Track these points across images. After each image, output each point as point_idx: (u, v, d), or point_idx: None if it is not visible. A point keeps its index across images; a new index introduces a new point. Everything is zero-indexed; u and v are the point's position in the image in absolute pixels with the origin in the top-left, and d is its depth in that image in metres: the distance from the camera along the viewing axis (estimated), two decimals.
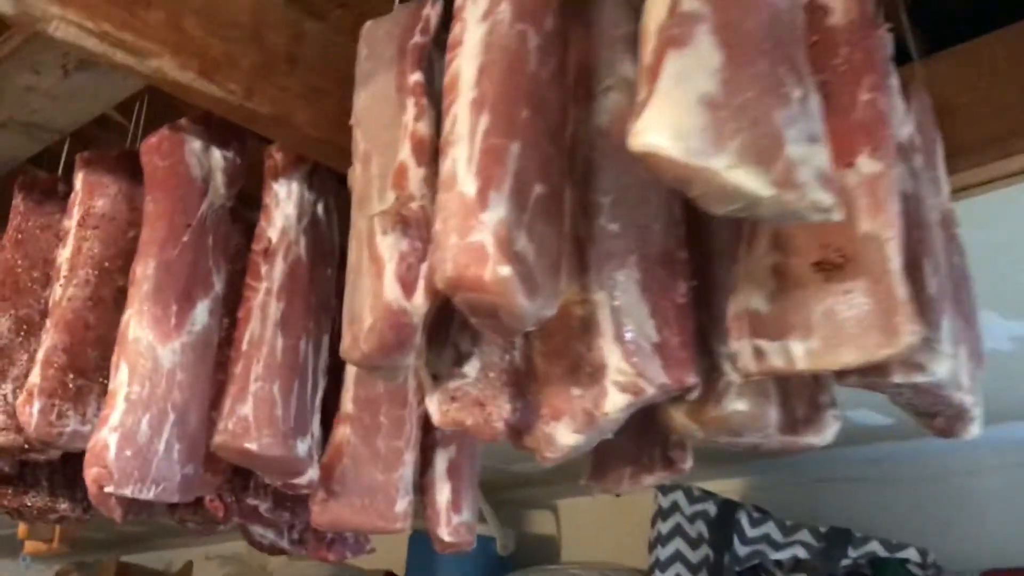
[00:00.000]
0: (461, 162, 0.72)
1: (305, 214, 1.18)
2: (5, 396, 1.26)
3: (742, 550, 2.17)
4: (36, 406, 1.10)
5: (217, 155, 1.11)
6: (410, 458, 1.22)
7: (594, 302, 0.81)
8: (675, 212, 0.85)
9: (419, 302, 0.84)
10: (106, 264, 1.19)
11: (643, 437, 1.05)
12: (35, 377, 1.11)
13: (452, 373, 0.96)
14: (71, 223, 1.21)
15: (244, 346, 1.08)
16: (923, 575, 2.08)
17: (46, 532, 1.99)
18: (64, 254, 1.20)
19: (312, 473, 1.10)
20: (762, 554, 2.16)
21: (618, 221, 0.82)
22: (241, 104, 1.00)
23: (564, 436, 0.80)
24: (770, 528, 2.20)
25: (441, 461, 1.27)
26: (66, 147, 1.40)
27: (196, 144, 1.10)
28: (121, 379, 0.98)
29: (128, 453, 0.95)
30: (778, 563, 2.17)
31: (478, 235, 0.68)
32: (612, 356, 0.79)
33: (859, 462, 2.27)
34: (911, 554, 2.07)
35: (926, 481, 2.20)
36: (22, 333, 1.29)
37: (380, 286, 0.85)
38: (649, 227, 0.83)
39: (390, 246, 0.85)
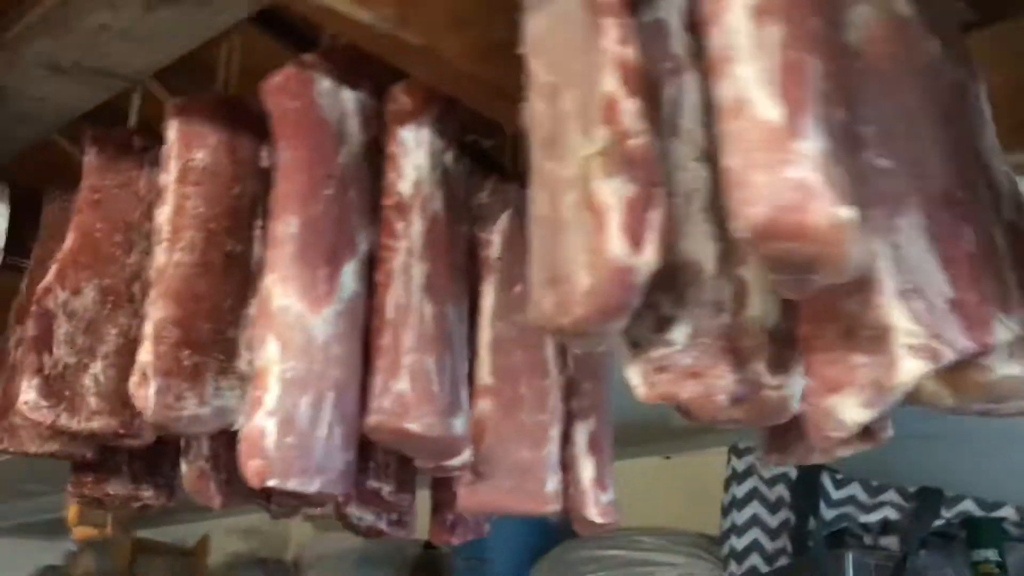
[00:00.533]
0: (752, 82, 0.59)
1: (437, 164, 1.05)
2: (96, 376, 1.12)
3: (828, 513, 2.08)
4: (152, 387, 0.96)
5: (348, 96, 0.97)
6: (555, 433, 1.11)
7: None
8: (947, 145, 0.72)
9: (650, 257, 0.71)
10: (211, 225, 1.04)
11: None
12: (146, 354, 0.98)
13: (655, 340, 0.83)
14: (168, 178, 1.06)
15: (390, 313, 0.94)
16: (1020, 533, 2.00)
17: (99, 518, 1.86)
18: (164, 214, 1.05)
19: (468, 454, 0.98)
20: (850, 517, 2.07)
21: (888, 156, 0.70)
22: (392, 32, 0.86)
23: (852, 411, 0.68)
24: (855, 489, 2.10)
25: (582, 435, 1.15)
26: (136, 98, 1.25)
27: (326, 83, 0.95)
28: (271, 355, 0.85)
29: (289, 440, 0.82)
30: (865, 526, 2.08)
31: (796, 171, 0.55)
32: (897, 316, 0.67)
33: (937, 418, 2.18)
34: (1008, 512, 1.99)
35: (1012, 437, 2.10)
36: (109, 305, 1.14)
37: (602, 240, 0.72)
38: (925, 162, 0.70)
39: (615, 192, 0.72)
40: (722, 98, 0.61)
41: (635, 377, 0.84)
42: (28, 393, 1.08)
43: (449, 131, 1.08)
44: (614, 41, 0.78)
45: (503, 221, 1.15)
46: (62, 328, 1.12)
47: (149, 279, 1.16)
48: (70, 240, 1.16)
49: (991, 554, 1.95)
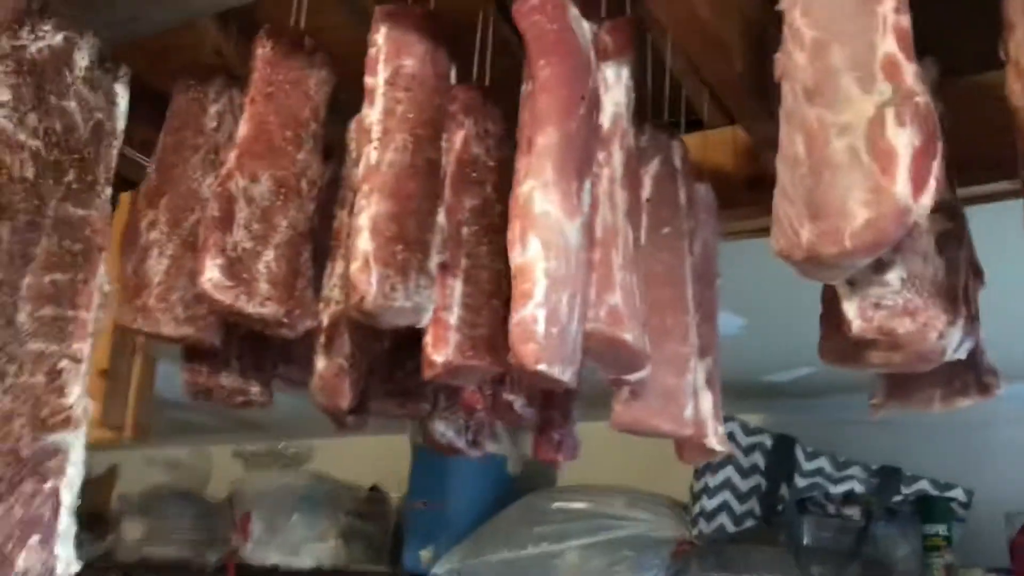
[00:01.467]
0: None
1: (631, 103, 1.12)
2: (268, 264, 1.14)
3: (801, 482, 2.26)
4: (374, 275, 1.00)
5: (587, 27, 1.03)
6: (693, 364, 1.20)
7: None
8: None
9: (926, 202, 0.82)
10: (418, 131, 1.08)
11: (956, 361, 1.07)
12: (366, 244, 1.01)
13: (871, 280, 0.95)
14: (376, 80, 1.09)
15: (599, 232, 1.02)
16: (964, 514, 2.23)
17: (118, 418, 1.81)
18: (374, 115, 1.08)
19: (647, 370, 1.07)
20: (820, 486, 2.26)
21: None
22: None
23: None
24: (824, 462, 2.30)
25: (702, 371, 1.25)
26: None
27: (574, 11, 1.01)
28: (535, 253, 0.90)
29: (554, 331, 0.88)
30: (830, 496, 2.28)
31: None
32: None
33: None
34: (958, 494, 2.21)
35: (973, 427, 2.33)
36: (281, 196, 1.16)
37: (889, 181, 0.82)
38: None
39: (905, 141, 0.82)
40: None
41: (851, 311, 0.95)
42: (212, 271, 1.09)
43: (633, 74, 1.15)
44: (891, 9, 0.88)
45: (655, 165, 1.24)
46: (242, 212, 1.13)
47: (315, 175, 1.20)
48: (245, 129, 1.17)
49: (941, 529, 2.18)
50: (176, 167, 1.30)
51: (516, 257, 0.90)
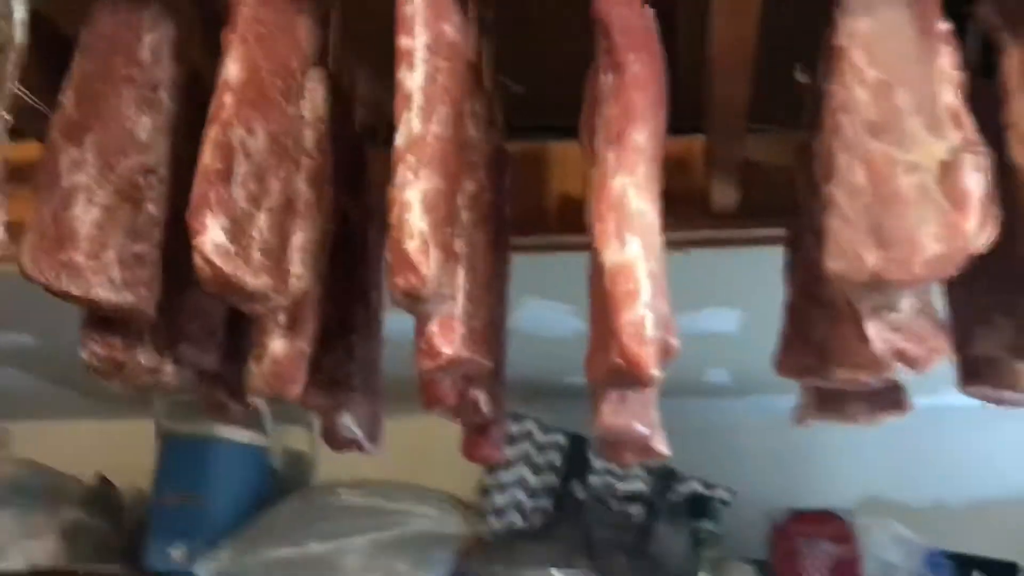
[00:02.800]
0: None
1: None
2: (260, 230, 0.99)
3: (594, 480, 2.37)
4: (434, 257, 0.91)
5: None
6: None
7: None
8: None
9: (986, 241, 0.92)
10: (458, 106, 0.99)
11: None
12: (420, 222, 0.91)
13: (892, 306, 1.04)
14: (414, 43, 0.99)
15: None
16: (728, 512, 2.48)
17: None
18: (414, 80, 0.97)
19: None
20: (610, 484, 2.39)
21: None
22: None
23: None
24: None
25: None
26: None
27: (648, 8, 0.99)
28: (636, 253, 0.86)
29: (656, 335, 0.86)
30: (616, 494, 2.42)
31: None
32: None
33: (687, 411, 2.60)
34: (722, 493, 2.45)
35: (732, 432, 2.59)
36: (275, 155, 1.02)
37: (963, 220, 0.91)
38: None
39: (978, 185, 0.92)
40: None
41: (873, 331, 1.03)
42: (216, 232, 0.92)
43: None
44: (950, 65, 0.98)
45: None
46: (241, 168, 0.97)
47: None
48: (236, 71, 0.99)
49: (709, 524, 2.40)
50: (105, 100, 1.09)
51: (612, 255, 0.88)
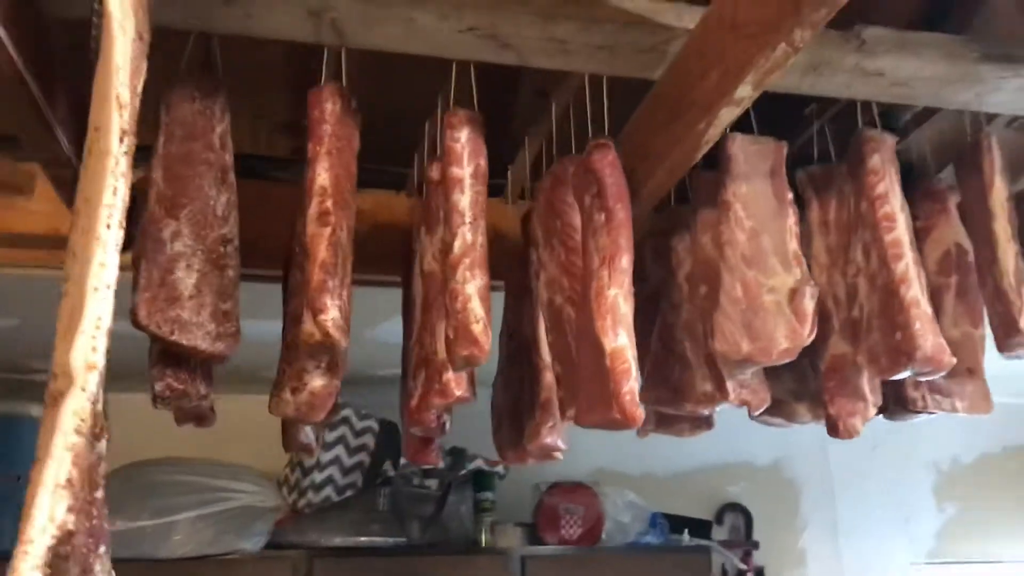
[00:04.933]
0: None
1: None
2: (344, 303, 1.31)
3: (403, 459, 2.78)
4: (488, 337, 1.29)
5: None
6: None
7: None
8: None
9: (809, 340, 1.50)
10: (485, 220, 1.38)
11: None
12: (480, 310, 1.29)
13: (741, 371, 1.58)
14: (463, 172, 1.35)
15: None
16: (502, 484, 3.00)
17: None
18: (465, 201, 1.33)
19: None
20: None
21: None
22: None
23: None
24: None
25: None
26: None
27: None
28: (625, 342, 1.29)
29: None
30: (422, 470, 2.84)
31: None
32: None
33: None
34: (499, 469, 2.97)
35: None
36: (350, 247, 1.34)
37: (802, 328, 1.47)
38: None
39: (812, 308, 1.48)
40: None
41: (729, 386, 1.57)
42: (334, 312, 1.23)
43: None
44: (794, 223, 1.54)
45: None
46: (340, 257, 1.27)
47: None
48: (327, 179, 1.28)
49: (489, 495, 2.91)
50: (191, 180, 1.34)
51: (610, 343, 1.32)
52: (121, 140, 1.05)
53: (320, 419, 1.45)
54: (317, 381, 1.41)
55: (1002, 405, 1.73)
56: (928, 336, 1.43)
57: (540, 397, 1.60)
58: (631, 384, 1.32)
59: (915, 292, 1.45)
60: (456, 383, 1.42)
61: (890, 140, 1.56)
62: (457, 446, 2.93)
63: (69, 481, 0.97)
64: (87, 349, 0.99)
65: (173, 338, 1.27)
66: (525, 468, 2.97)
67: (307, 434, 1.68)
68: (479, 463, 2.95)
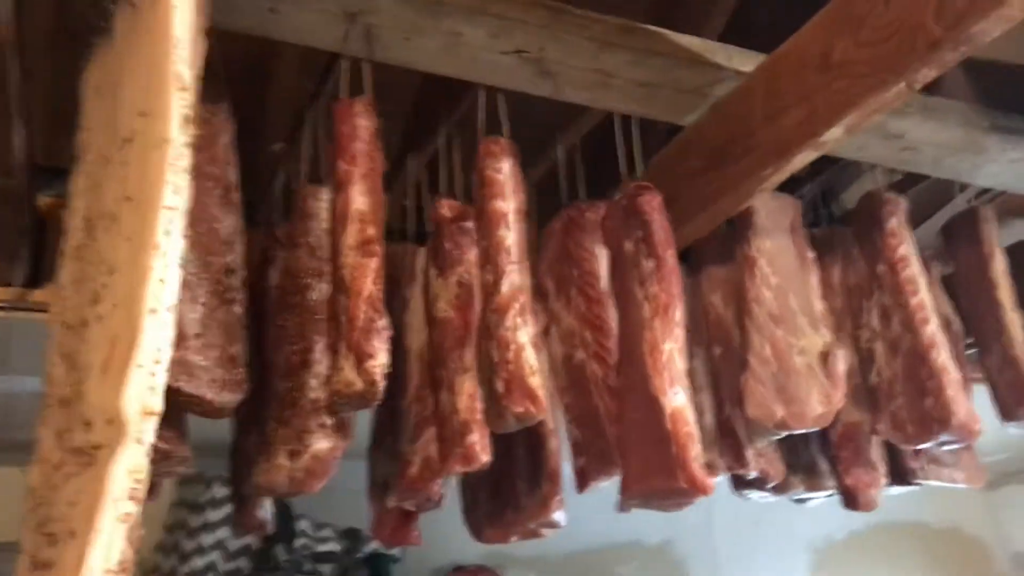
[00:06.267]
0: None
1: None
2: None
3: (297, 542, 2.50)
4: (545, 389, 1.13)
5: None
6: None
7: None
8: None
9: (841, 404, 1.43)
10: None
11: None
12: (534, 360, 1.12)
13: (759, 439, 1.49)
14: (507, 206, 1.18)
15: None
16: (399, 568, 2.76)
17: None
18: (511, 238, 1.17)
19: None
20: (308, 547, 2.53)
21: None
22: None
23: None
24: (306, 524, 2.58)
25: None
26: None
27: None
28: (683, 401, 1.16)
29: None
30: (314, 554, 2.55)
31: None
32: None
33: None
34: (397, 551, 2.73)
35: None
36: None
37: (835, 393, 1.41)
38: None
39: (844, 371, 1.42)
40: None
41: (749, 455, 1.47)
42: (382, 356, 1.03)
43: None
44: (817, 283, 1.48)
45: None
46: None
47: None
48: (365, 204, 1.10)
49: None
50: (196, 197, 1.11)
51: (669, 403, 1.19)
52: (183, 129, 0.84)
53: (317, 489, 1.23)
54: (323, 443, 1.20)
55: None
56: (962, 403, 1.39)
57: (548, 466, 1.43)
58: (697, 448, 1.19)
59: (945, 357, 1.41)
60: (482, 447, 1.23)
61: (904, 203, 1.54)
62: (352, 527, 2.67)
63: (122, 566, 0.73)
64: (143, 389, 0.76)
65: (177, 384, 1.02)
66: (419, 551, 2.79)
67: (266, 509, 1.43)
68: (375, 545, 2.69)
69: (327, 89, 1.37)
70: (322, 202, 1.28)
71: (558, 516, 1.44)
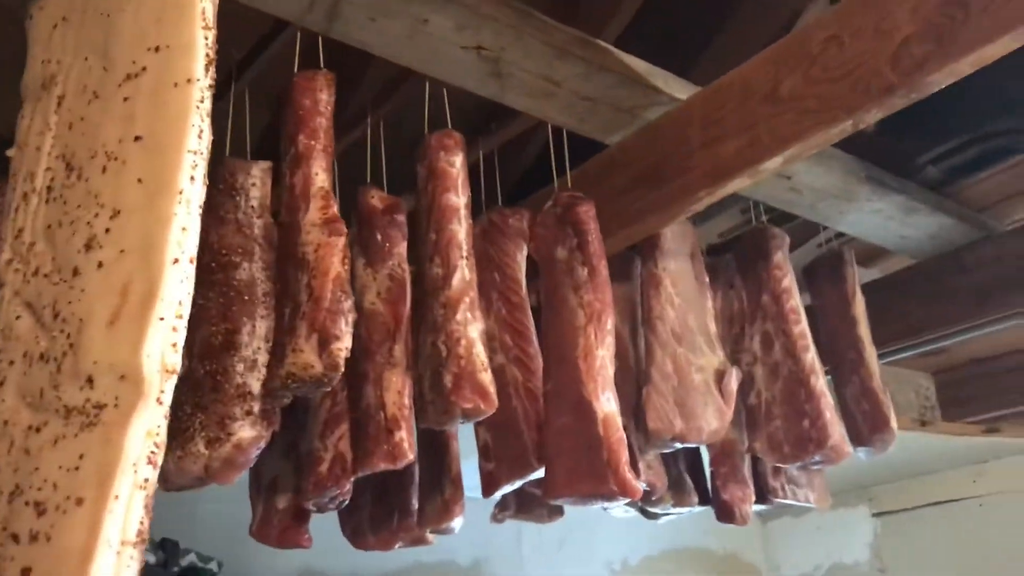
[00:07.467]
0: None
1: None
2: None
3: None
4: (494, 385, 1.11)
5: None
6: None
7: None
8: None
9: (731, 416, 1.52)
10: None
11: None
12: (484, 356, 1.11)
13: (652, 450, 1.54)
14: (459, 200, 1.17)
15: None
16: None
17: None
18: (462, 233, 1.15)
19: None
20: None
21: None
22: None
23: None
24: None
25: None
26: None
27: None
28: (615, 407, 1.19)
29: None
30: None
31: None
32: None
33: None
34: (214, 566, 2.58)
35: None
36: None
37: (728, 409, 1.49)
38: None
39: (735, 387, 1.50)
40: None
41: (642, 466, 1.52)
42: (347, 339, 0.98)
43: None
44: (711, 306, 1.56)
45: None
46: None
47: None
48: (328, 180, 1.05)
49: None
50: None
51: (602, 408, 1.22)
52: (207, 70, 0.77)
53: (232, 481, 1.15)
54: (247, 432, 1.12)
55: None
56: (836, 426, 1.51)
57: (452, 471, 1.41)
58: (627, 454, 1.22)
59: (822, 383, 1.53)
60: (409, 444, 1.20)
61: (787, 238, 1.66)
62: (168, 538, 2.49)
63: (140, 536, 0.66)
64: (166, 345, 0.69)
65: None
66: (238, 566, 2.65)
67: None
68: (192, 558, 2.53)
69: (260, 60, 1.31)
70: (254, 178, 1.21)
71: (457, 522, 1.43)
